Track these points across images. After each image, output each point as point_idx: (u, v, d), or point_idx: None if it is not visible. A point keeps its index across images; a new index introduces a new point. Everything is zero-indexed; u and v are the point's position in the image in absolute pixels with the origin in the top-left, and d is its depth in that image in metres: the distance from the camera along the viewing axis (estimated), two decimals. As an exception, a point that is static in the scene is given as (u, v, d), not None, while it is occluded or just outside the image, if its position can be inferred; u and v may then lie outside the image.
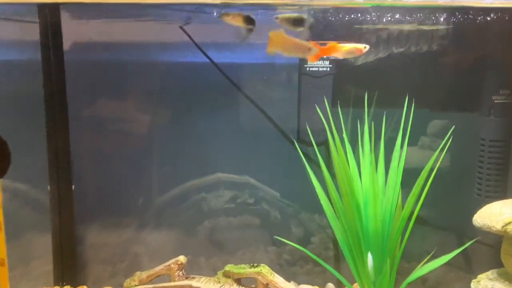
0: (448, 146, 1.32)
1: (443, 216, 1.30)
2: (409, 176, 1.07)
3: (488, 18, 1.07)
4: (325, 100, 1.09)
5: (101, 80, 1.40)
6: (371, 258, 1.04)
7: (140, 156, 1.44)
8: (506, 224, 0.88)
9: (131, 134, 1.44)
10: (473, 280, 0.98)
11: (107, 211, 1.48)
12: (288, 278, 1.43)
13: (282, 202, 1.43)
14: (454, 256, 1.32)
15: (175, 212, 1.46)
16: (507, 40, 1.08)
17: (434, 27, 1.11)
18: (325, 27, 1.16)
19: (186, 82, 1.40)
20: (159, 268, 1.01)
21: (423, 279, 1.37)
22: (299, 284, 1.38)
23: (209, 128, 1.41)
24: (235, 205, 1.47)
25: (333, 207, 1.09)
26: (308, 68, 1.14)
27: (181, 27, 1.24)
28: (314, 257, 1.10)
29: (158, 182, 1.47)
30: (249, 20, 1.02)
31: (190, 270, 1.50)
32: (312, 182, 1.10)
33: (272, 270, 1.47)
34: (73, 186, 1.29)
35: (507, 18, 1.08)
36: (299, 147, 1.13)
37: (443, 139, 1.33)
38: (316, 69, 1.14)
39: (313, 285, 1.37)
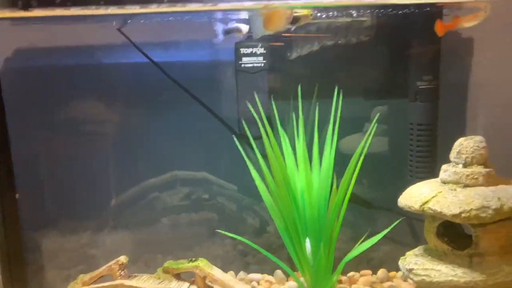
0: (385, 131, 1.39)
1: (382, 198, 1.37)
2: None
3: (409, 11, 1.12)
4: (255, 94, 1.13)
5: (44, 85, 1.40)
6: (309, 243, 1.09)
7: (92, 159, 1.45)
8: (423, 204, 0.93)
9: (81, 137, 1.45)
10: (401, 257, 1.04)
11: (62, 216, 1.50)
12: (241, 268, 1.48)
13: (238, 195, 1.47)
14: (400, 235, 1.41)
15: (131, 212, 1.49)
16: (428, 30, 1.13)
17: (362, 20, 1.16)
18: (259, 25, 1.20)
19: (132, 82, 1.42)
20: (101, 269, 1.03)
21: (367, 259, 1.43)
22: (249, 273, 1.43)
23: (160, 127, 1.44)
24: (191, 201, 1.50)
25: (271, 196, 1.13)
26: (242, 65, 1.17)
27: (118, 29, 1.26)
28: (254, 246, 1.14)
29: (113, 184, 1.49)
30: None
31: (146, 268, 1.53)
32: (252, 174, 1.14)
33: (227, 261, 1.52)
34: (17, 195, 1.30)
35: (428, 9, 1.14)
36: (240, 140, 1.17)
37: (385, 125, 1.40)
38: (251, 65, 1.17)
39: (262, 273, 1.42)
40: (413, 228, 1.40)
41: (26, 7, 0.64)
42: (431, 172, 1.17)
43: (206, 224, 1.49)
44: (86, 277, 1.02)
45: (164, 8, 0.59)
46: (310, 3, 0.86)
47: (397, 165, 1.29)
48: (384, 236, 1.40)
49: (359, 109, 1.34)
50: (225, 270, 1.48)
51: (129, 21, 1.18)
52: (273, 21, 0.98)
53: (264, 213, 1.47)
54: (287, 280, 1.38)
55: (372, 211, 1.41)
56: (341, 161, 1.13)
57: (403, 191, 1.05)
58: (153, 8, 0.59)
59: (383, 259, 1.43)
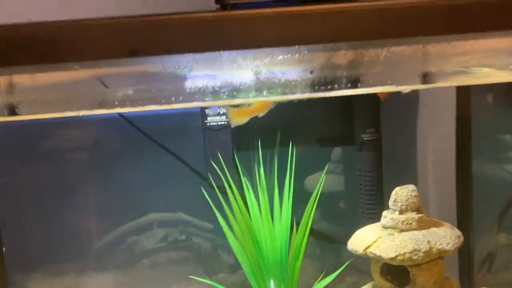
0: (339, 176, 1.54)
1: (342, 233, 1.51)
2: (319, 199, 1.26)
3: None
4: (218, 153, 1.26)
5: (23, 142, 1.52)
6: (273, 285, 1.22)
7: (74, 205, 1.56)
8: (366, 248, 1.07)
9: (63, 185, 1.56)
10: (353, 293, 1.18)
11: (45, 260, 1.59)
12: (216, 305, 1.59)
13: (213, 234, 1.59)
14: (367, 264, 1.55)
15: (112, 255, 1.59)
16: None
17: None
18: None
19: (104, 134, 1.54)
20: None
21: (334, 290, 1.57)
22: (223, 310, 1.55)
23: (135, 176, 1.56)
24: (167, 243, 1.61)
25: (238, 243, 1.25)
26: (208, 123, 1.31)
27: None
28: (223, 288, 1.26)
29: (94, 228, 1.60)
30: None
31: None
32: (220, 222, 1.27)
33: (204, 300, 1.63)
34: (3, 248, 1.40)
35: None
36: (209, 190, 1.30)
37: (341, 168, 1.55)
38: (215, 123, 1.31)
39: (236, 310, 1.54)
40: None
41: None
42: (379, 213, 1.31)
43: (183, 263, 1.61)
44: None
45: (127, 109, 0.72)
46: (249, 101, 1.00)
47: (352, 206, 1.44)
48: (350, 267, 1.55)
49: (317, 154, 1.49)
50: (201, 308, 1.60)
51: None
52: (236, 117, 1.16)
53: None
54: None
55: (336, 245, 1.55)
56: (307, 198, 1.26)
57: (357, 228, 1.19)
58: (118, 110, 0.72)
59: (347, 290, 1.57)
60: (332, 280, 1.30)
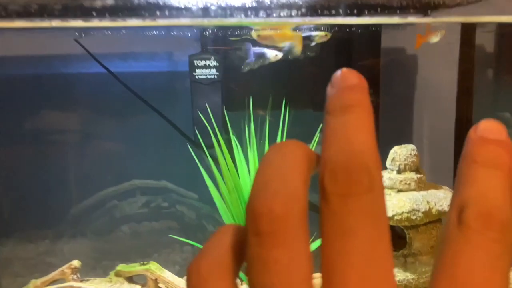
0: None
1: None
2: None
3: (353, 30, 1.21)
4: (207, 105, 1.18)
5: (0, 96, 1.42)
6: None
7: (50, 167, 1.47)
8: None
9: (38, 145, 1.46)
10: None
11: (18, 225, 1.50)
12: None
13: (198, 203, 1.51)
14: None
15: (91, 221, 1.50)
16: (370, 47, 1.22)
17: (310, 36, 1.24)
18: (212, 39, 1.26)
19: (91, 92, 1.45)
20: (53, 274, 1.05)
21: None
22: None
23: (120, 137, 1.47)
24: (149, 209, 1.53)
25: (224, 203, 1.18)
26: (197, 76, 1.23)
27: (76, 40, 1.29)
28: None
29: (71, 192, 1.51)
30: None
31: (104, 275, 1.54)
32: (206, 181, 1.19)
33: (185, 267, 1.55)
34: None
35: (373, 29, 1.23)
36: (196, 149, 1.22)
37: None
38: (204, 76, 1.23)
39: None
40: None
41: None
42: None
43: (166, 232, 1.53)
44: (38, 282, 1.04)
45: (105, 23, 0.64)
46: (244, 22, 0.92)
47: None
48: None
49: (309, 121, 1.42)
50: (183, 274, 1.52)
51: (83, 35, 1.21)
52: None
53: (223, 222, 1.52)
54: (241, 284, 1.43)
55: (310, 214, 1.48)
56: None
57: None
58: (95, 23, 0.64)
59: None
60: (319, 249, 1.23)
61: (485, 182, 0.20)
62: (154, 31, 1.28)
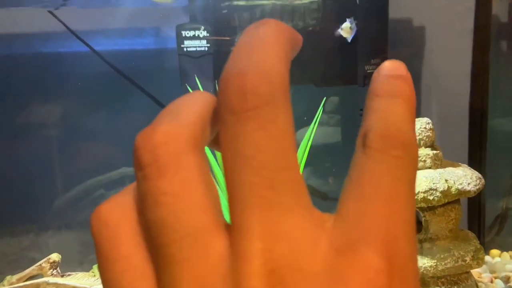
0: (338, 120, 1.36)
1: (333, 188, 1.34)
2: (311, 154, 1.08)
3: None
4: (197, 79, 1.07)
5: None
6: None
7: (32, 155, 1.36)
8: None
9: (20, 132, 1.35)
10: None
11: (2, 220, 1.39)
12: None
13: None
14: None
15: (77, 212, 1.40)
16: (376, 13, 1.11)
17: (307, 1, 1.12)
18: (201, 8, 1.15)
19: (72, 73, 1.34)
20: (30, 269, 0.94)
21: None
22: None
23: (106, 121, 1.36)
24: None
25: (217, 184, 1.07)
26: (185, 49, 1.11)
27: (50, 12, 1.17)
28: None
29: (56, 182, 1.40)
30: None
31: (91, 269, 1.45)
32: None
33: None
34: None
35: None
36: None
37: (339, 114, 1.37)
38: (194, 49, 1.11)
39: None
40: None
41: None
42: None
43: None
44: (14, 278, 0.93)
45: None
46: None
47: (351, 153, 1.26)
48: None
49: (311, 97, 1.31)
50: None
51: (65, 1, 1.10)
52: None
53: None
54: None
55: (329, 202, 1.38)
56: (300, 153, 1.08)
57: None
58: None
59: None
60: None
61: (386, 109, 0.21)
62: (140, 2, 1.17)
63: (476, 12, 1.24)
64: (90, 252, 1.41)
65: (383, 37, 1.12)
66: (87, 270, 1.44)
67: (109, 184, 1.42)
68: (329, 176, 1.38)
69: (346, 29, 1.09)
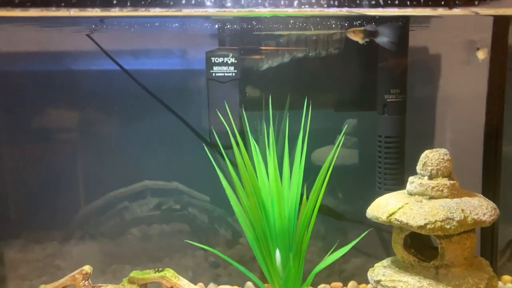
0: (355, 143, 1.40)
1: (353, 209, 1.38)
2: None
3: (380, 24, 1.14)
4: (225, 104, 1.12)
5: (11, 91, 1.37)
6: (279, 254, 1.08)
7: (60, 167, 1.41)
8: (390, 215, 0.94)
9: (48, 145, 1.41)
10: (370, 269, 1.04)
11: (26, 226, 1.45)
12: (212, 280, 1.46)
13: (210, 206, 1.46)
14: (372, 247, 1.42)
15: (100, 223, 1.45)
16: (397, 44, 1.15)
17: (330, 32, 1.17)
18: (230, 35, 1.20)
19: (103, 90, 1.40)
20: (63, 280, 1.00)
21: (339, 271, 1.43)
22: (219, 285, 1.41)
23: (131, 137, 1.41)
24: (161, 211, 1.47)
25: (242, 207, 1.12)
26: (214, 74, 1.17)
27: (87, 35, 1.24)
28: (223, 256, 1.13)
29: (81, 193, 1.45)
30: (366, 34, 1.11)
31: (114, 279, 1.49)
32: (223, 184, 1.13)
33: (198, 273, 1.50)
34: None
35: (399, 23, 1.16)
36: (211, 149, 1.16)
37: (356, 137, 1.42)
38: (222, 74, 1.17)
39: (233, 285, 1.40)
40: (384, 241, 1.41)
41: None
42: (399, 183, 1.19)
43: (177, 236, 1.47)
44: (48, 287, 0.98)
45: (126, 12, 0.58)
46: (275, 12, 0.86)
47: (367, 177, 1.30)
48: (356, 249, 1.41)
49: (330, 121, 1.35)
50: (195, 281, 1.46)
51: (98, 26, 1.16)
52: None
53: (237, 225, 1.46)
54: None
55: (344, 223, 1.42)
56: (314, 173, 1.12)
57: (371, 202, 1.05)
58: (115, 12, 0.58)
59: (354, 272, 1.43)
60: (338, 260, 1.16)
61: None
62: (169, 27, 1.23)
63: (492, 42, 1.28)
64: (112, 262, 1.47)
65: (403, 68, 1.17)
66: (109, 279, 1.48)
67: (132, 196, 1.48)
68: (346, 197, 1.42)
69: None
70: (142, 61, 1.39)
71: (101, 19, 1.10)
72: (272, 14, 0.95)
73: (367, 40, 1.12)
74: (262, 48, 1.18)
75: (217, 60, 1.15)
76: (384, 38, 1.10)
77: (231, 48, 1.17)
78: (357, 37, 1.11)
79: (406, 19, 1.14)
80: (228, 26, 1.13)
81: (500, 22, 1.26)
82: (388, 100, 1.16)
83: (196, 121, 1.33)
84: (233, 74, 1.16)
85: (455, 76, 1.35)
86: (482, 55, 1.14)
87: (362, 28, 1.11)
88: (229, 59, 1.15)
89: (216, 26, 1.16)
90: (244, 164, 1.07)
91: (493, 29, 1.25)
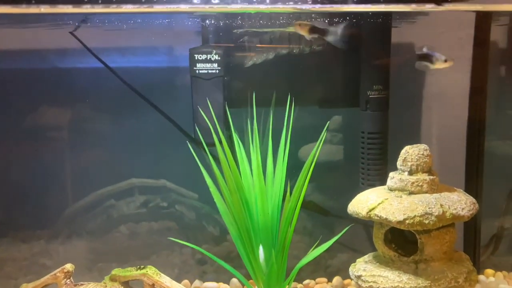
0: (339, 139, 1.41)
1: (338, 205, 1.39)
2: (314, 170, 1.13)
3: (362, 22, 1.15)
4: (208, 101, 1.12)
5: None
6: (262, 251, 1.09)
7: (45, 165, 1.41)
8: (370, 210, 0.95)
9: (33, 143, 1.40)
10: (352, 264, 1.05)
11: (12, 225, 1.44)
12: (198, 277, 1.46)
13: (198, 203, 1.46)
14: (358, 243, 1.43)
15: (87, 221, 1.45)
16: (379, 39, 1.16)
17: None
18: (213, 32, 1.21)
19: (89, 88, 1.39)
20: (45, 278, 1.00)
21: (325, 266, 1.44)
22: (205, 281, 1.42)
23: (117, 134, 1.41)
24: (148, 209, 1.47)
25: (225, 203, 1.12)
26: (197, 71, 1.17)
27: (71, 33, 1.23)
28: (207, 253, 1.13)
29: (67, 191, 1.45)
30: (313, 30, 1.08)
31: (100, 277, 1.49)
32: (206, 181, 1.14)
33: (184, 270, 1.50)
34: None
35: (380, 20, 1.17)
36: (195, 146, 1.16)
37: (341, 133, 1.42)
38: (205, 71, 1.17)
39: (219, 282, 1.41)
40: (370, 237, 1.42)
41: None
42: (382, 179, 1.19)
43: (165, 233, 1.47)
44: (29, 286, 0.98)
45: (98, 9, 0.58)
46: (246, 8, 0.86)
47: (350, 173, 1.31)
48: (342, 244, 1.42)
49: (316, 118, 1.36)
50: (182, 278, 1.46)
51: (81, 23, 1.15)
52: None
53: (224, 222, 1.46)
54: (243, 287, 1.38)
55: (330, 219, 1.42)
56: (299, 170, 1.13)
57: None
58: (86, 9, 0.58)
59: (339, 267, 1.44)
60: (323, 254, 1.17)
61: None
62: (152, 24, 1.23)
63: (475, 38, 1.29)
64: (99, 260, 1.47)
65: (386, 64, 1.17)
66: (96, 277, 1.48)
67: (119, 194, 1.48)
68: (331, 193, 1.43)
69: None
70: (128, 59, 1.39)
71: (85, 17, 1.10)
72: (244, 11, 0.95)
73: (315, 36, 1.10)
74: (246, 45, 1.18)
75: (200, 57, 1.15)
76: (333, 37, 1.09)
77: (215, 45, 1.17)
78: (303, 31, 1.09)
79: (388, 15, 1.14)
80: (212, 23, 1.13)
81: (482, 18, 1.27)
82: (370, 96, 1.16)
83: (181, 118, 1.33)
84: (217, 71, 1.16)
85: (440, 72, 1.36)
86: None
87: (308, 22, 1.09)
88: (213, 56, 1.15)
89: (200, 23, 1.16)
90: (227, 161, 1.07)
91: (475, 25, 1.26)
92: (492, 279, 1.33)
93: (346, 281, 1.38)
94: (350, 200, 1.06)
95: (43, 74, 1.37)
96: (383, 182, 1.18)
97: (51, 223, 1.43)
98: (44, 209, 1.42)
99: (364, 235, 1.40)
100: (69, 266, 1.00)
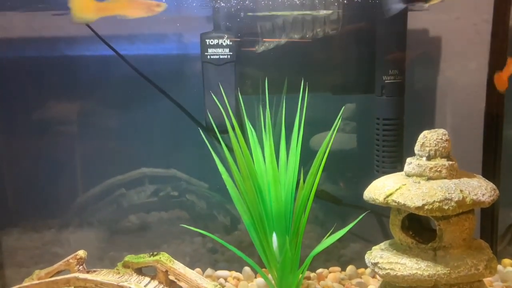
0: (353, 126, 1.39)
1: (351, 194, 1.37)
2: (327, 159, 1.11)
3: (377, 1, 1.12)
4: (221, 87, 1.10)
5: (3, 78, 1.35)
6: (276, 239, 1.07)
7: (56, 154, 1.41)
8: (387, 196, 0.93)
9: (45, 132, 1.40)
10: (367, 252, 1.03)
11: (24, 214, 1.44)
12: (210, 266, 1.45)
13: (209, 192, 1.44)
14: (371, 233, 1.41)
15: (97, 210, 1.44)
16: (393, 21, 1.13)
17: (327, 13, 1.15)
18: (225, 17, 1.18)
19: (98, 76, 1.38)
20: (58, 264, 0.99)
21: (338, 256, 1.42)
22: (217, 270, 1.41)
23: (128, 123, 1.40)
24: (159, 198, 1.47)
25: (238, 191, 1.11)
26: (209, 56, 1.15)
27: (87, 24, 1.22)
28: (220, 240, 1.12)
29: (79, 180, 1.45)
30: None
31: (111, 266, 1.49)
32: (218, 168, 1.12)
33: (196, 258, 1.49)
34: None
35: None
36: (207, 134, 1.14)
37: (354, 121, 1.40)
38: (217, 57, 1.15)
39: (230, 270, 1.40)
40: (384, 227, 1.40)
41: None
42: (397, 166, 1.17)
43: (175, 222, 1.46)
44: (42, 272, 0.98)
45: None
46: None
47: (365, 160, 1.28)
48: (355, 234, 1.40)
49: (329, 105, 1.33)
50: (193, 267, 1.45)
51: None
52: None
53: (235, 211, 1.44)
54: (255, 277, 1.36)
55: (343, 208, 1.40)
56: (312, 158, 1.11)
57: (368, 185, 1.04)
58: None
59: (352, 256, 1.42)
60: (336, 244, 1.15)
61: None
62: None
63: (494, 23, 1.26)
64: (110, 249, 1.46)
65: (401, 49, 1.14)
66: (107, 266, 1.48)
67: (129, 184, 1.47)
68: (344, 182, 1.41)
69: None
70: (137, 46, 1.37)
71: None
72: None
73: None
74: (258, 29, 1.16)
75: (212, 42, 1.13)
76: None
77: (227, 30, 1.15)
78: None
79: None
80: (223, 7, 1.10)
81: (500, 3, 1.23)
82: (386, 81, 1.14)
83: (193, 106, 1.32)
84: (229, 56, 1.14)
85: (456, 59, 1.33)
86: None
87: None
88: (224, 41, 1.13)
89: (211, 8, 1.14)
90: (240, 147, 1.05)
91: (494, 11, 1.23)
92: (509, 268, 1.30)
93: (360, 270, 1.36)
94: (363, 189, 1.04)
95: (53, 62, 1.36)
96: (398, 169, 1.15)
97: (62, 212, 1.43)
98: (55, 198, 1.42)
99: (377, 226, 1.39)
100: (81, 253, 0.99)
